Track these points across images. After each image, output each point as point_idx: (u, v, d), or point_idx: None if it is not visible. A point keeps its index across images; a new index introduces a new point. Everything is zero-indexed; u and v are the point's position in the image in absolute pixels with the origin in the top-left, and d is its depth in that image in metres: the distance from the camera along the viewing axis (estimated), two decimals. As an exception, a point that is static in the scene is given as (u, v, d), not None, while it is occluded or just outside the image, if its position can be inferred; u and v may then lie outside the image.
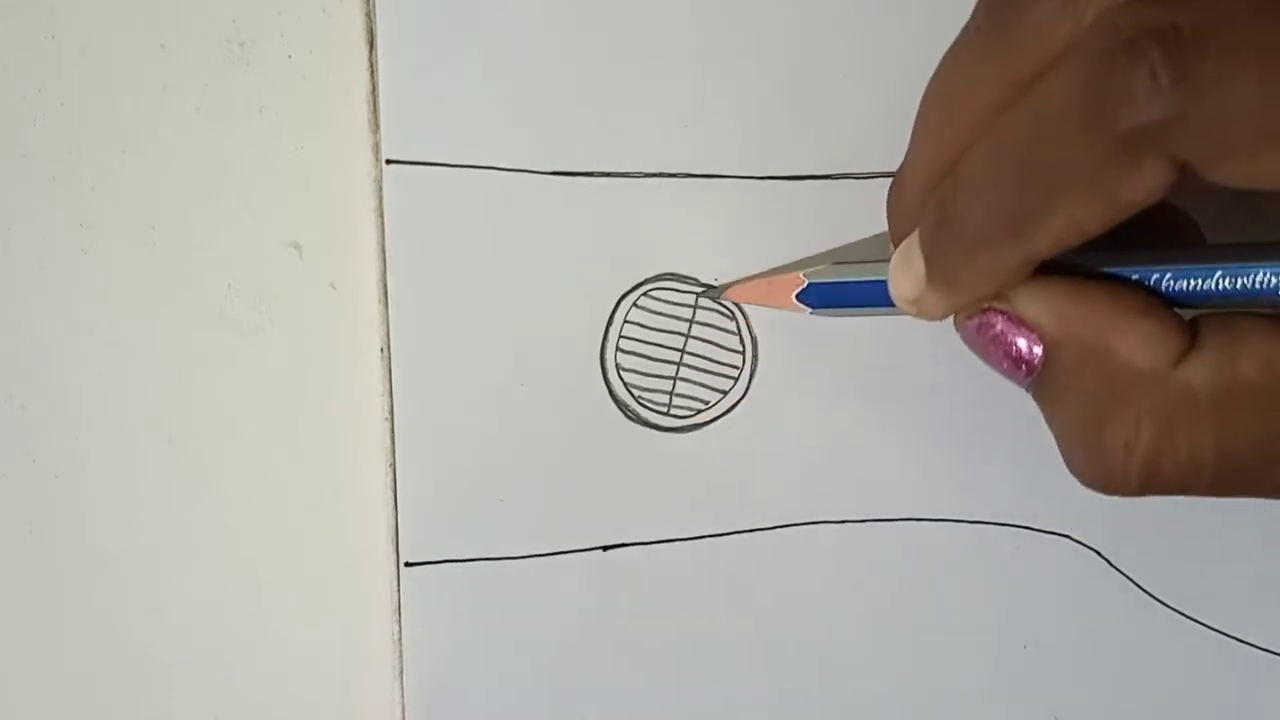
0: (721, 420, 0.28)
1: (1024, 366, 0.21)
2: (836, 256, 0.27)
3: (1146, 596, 0.28)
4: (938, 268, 0.22)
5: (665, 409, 0.28)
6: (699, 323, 0.28)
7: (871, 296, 0.24)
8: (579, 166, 0.28)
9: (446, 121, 0.27)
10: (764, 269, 0.28)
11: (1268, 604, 0.28)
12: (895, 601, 0.28)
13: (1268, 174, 0.17)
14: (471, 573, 0.28)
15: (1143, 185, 0.18)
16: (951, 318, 0.23)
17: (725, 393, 0.28)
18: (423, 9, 0.27)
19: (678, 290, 0.28)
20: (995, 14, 0.20)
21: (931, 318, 0.23)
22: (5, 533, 0.29)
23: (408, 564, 0.28)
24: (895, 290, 0.23)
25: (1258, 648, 0.29)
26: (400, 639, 0.28)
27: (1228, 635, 0.28)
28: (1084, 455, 0.21)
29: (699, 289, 0.28)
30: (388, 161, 0.27)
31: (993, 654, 0.29)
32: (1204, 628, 0.28)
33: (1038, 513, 0.28)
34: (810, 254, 0.28)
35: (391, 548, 0.28)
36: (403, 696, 0.28)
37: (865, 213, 0.27)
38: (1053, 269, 0.21)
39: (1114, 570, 0.28)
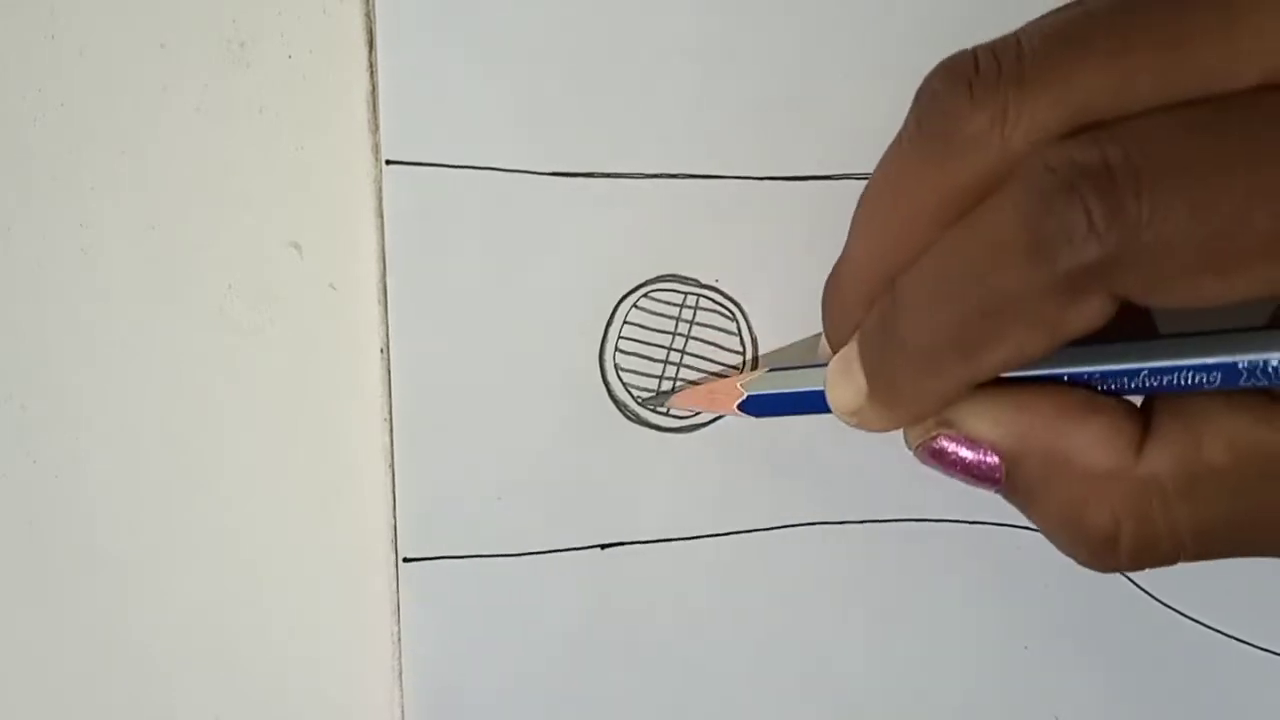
0: (721, 420, 0.28)
1: (988, 480, 0.22)
2: (773, 360, 0.28)
3: (1146, 596, 0.28)
4: (879, 385, 0.22)
5: (665, 409, 0.28)
6: (699, 323, 0.28)
7: (811, 404, 0.25)
8: (579, 167, 0.28)
9: (446, 122, 0.27)
10: (772, 274, 0.28)
11: (1268, 604, 0.28)
12: (895, 601, 0.28)
13: (1204, 297, 0.18)
14: (470, 570, 0.28)
15: (1085, 318, 0.18)
16: (901, 434, 0.23)
17: (725, 393, 0.28)
18: (423, 9, 0.27)
19: (678, 290, 0.28)
20: (925, 126, 0.20)
21: (872, 430, 0.23)
22: (5, 533, 0.29)
23: (406, 559, 0.28)
24: (835, 403, 0.23)
25: (1258, 648, 0.29)
26: (399, 637, 0.28)
27: (1228, 635, 0.28)
28: (1070, 547, 0.22)
29: (700, 290, 0.28)
30: (388, 162, 0.27)
31: (993, 654, 0.29)
32: (1204, 628, 0.28)
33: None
34: (812, 255, 0.28)
35: (390, 547, 0.28)
36: (402, 694, 0.28)
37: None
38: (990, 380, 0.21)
39: (1114, 570, 0.28)
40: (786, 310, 0.28)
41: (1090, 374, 0.21)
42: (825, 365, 0.24)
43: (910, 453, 0.23)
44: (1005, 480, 0.22)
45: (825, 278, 0.24)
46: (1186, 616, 0.28)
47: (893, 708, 0.29)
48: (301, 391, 0.29)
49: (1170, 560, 0.21)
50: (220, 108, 0.28)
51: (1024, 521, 0.28)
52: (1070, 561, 0.28)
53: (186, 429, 0.29)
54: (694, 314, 0.28)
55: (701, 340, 0.28)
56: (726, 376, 0.27)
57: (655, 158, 0.28)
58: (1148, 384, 0.21)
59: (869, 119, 0.27)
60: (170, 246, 0.28)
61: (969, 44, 0.21)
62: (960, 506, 0.28)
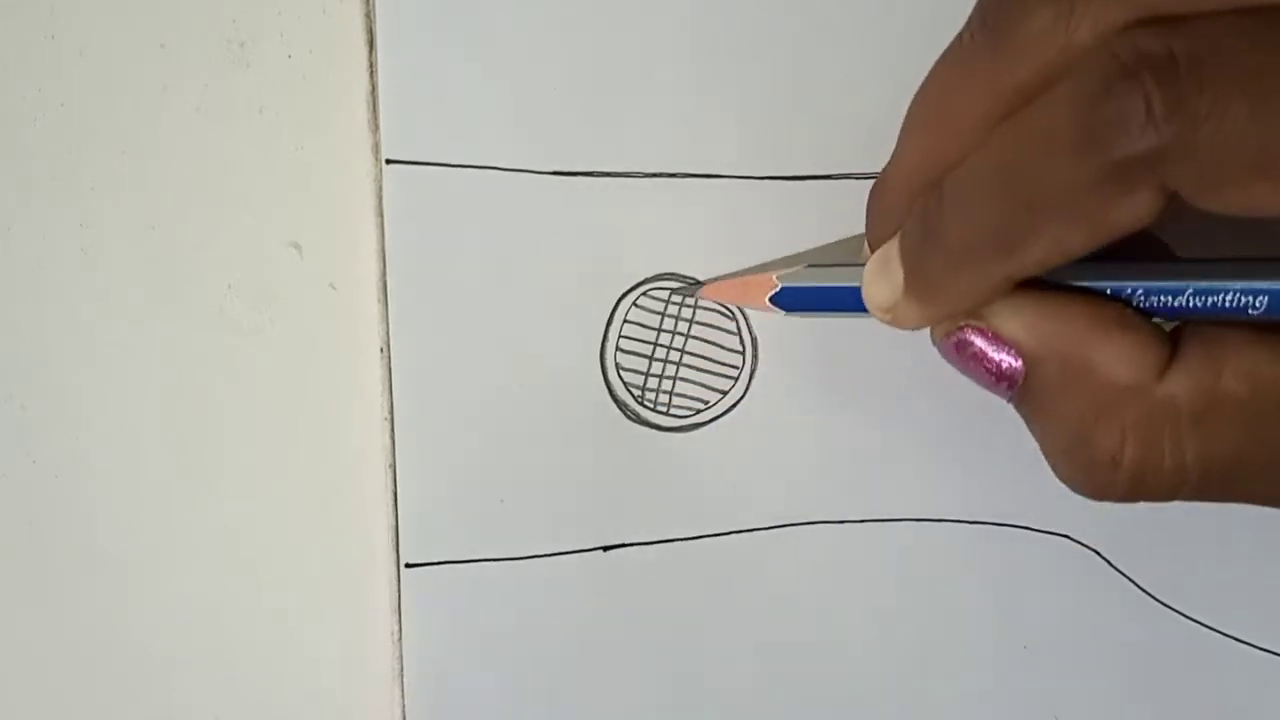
0: (721, 420, 0.28)
1: (1005, 382, 0.21)
2: (812, 259, 0.27)
3: (1146, 596, 0.28)
4: (917, 279, 0.22)
5: (665, 409, 0.28)
6: (699, 323, 0.28)
7: (845, 301, 0.24)
8: (578, 166, 0.28)
9: (446, 121, 0.27)
10: (752, 266, 0.28)
11: (1268, 604, 0.28)
12: (895, 601, 0.28)
13: (1256, 205, 0.17)
14: (472, 573, 0.28)
15: (1132, 212, 0.18)
16: (914, 334, 0.23)
17: (725, 393, 0.28)
18: (423, 9, 0.27)
19: (677, 290, 0.28)
20: (989, 23, 0.20)
21: (905, 327, 0.23)
22: (5, 533, 0.29)
23: (408, 565, 0.28)
24: (870, 298, 0.23)
25: (1258, 648, 0.29)
26: (400, 639, 0.28)
27: (1228, 635, 0.28)
28: (1070, 465, 0.21)
29: (693, 287, 0.28)
30: (387, 161, 0.27)
31: (993, 654, 0.29)
32: (1204, 628, 0.28)
33: (1038, 513, 0.28)
34: (801, 253, 0.28)
35: (392, 548, 0.28)
36: (403, 696, 0.28)
37: (864, 213, 0.27)
38: (1028, 283, 0.21)
39: (1114, 570, 0.28)
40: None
41: (1134, 288, 0.21)
42: (862, 266, 0.23)
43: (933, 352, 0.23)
44: (1021, 385, 0.21)
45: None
46: (1186, 616, 0.28)
47: (893, 708, 0.29)
48: (301, 391, 0.28)
49: (1168, 494, 0.20)
50: (220, 108, 0.28)
51: (1024, 521, 0.28)
52: (1070, 562, 0.28)
53: (186, 429, 0.29)
54: (694, 313, 0.28)
55: (701, 339, 0.28)
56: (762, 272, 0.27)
57: (655, 158, 0.28)
58: (1191, 304, 0.20)
59: (869, 119, 0.27)
60: (170, 246, 0.28)
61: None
62: (960, 506, 0.28)
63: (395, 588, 0.28)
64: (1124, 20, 0.18)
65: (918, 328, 0.23)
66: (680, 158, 0.28)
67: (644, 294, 0.28)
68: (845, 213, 0.27)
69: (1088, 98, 0.18)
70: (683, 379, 0.28)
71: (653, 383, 0.28)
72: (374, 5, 0.27)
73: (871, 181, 0.27)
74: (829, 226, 0.28)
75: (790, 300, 0.26)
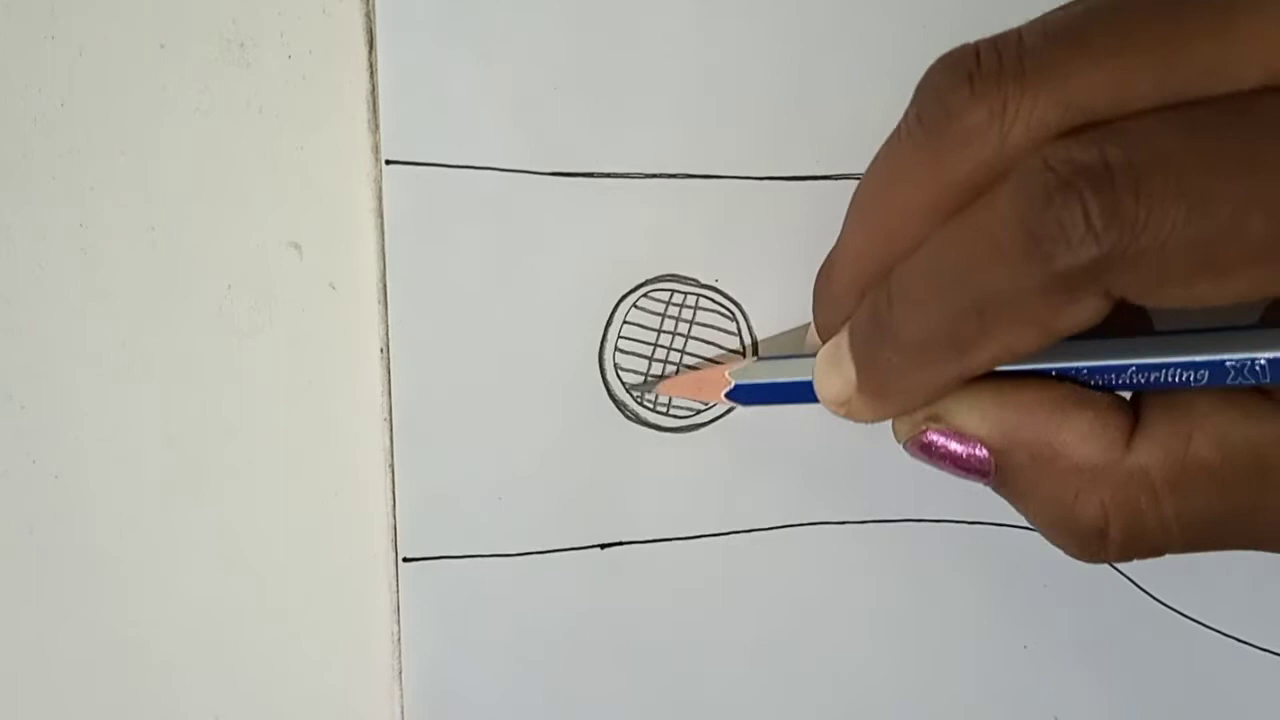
0: (721, 420, 0.28)
1: (977, 474, 0.22)
2: (764, 350, 0.28)
3: (1146, 596, 0.28)
4: (869, 376, 0.22)
5: (664, 409, 0.28)
6: (699, 323, 0.28)
7: (799, 395, 0.24)
8: (578, 167, 0.28)
9: (446, 122, 0.27)
10: (773, 274, 0.28)
11: (1268, 604, 0.28)
12: (895, 601, 0.28)
13: (1199, 299, 0.18)
14: (470, 570, 0.28)
15: (1079, 318, 0.18)
16: (889, 427, 0.23)
17: (725, 393, 0.28)
18: (423, 9, 0.27)
19: (678, 290, 0.28)
20: (924, 118, 0.20)
21: (860, 421, 0.23)
22: (5, 533, 0.29)
23: (406, 559, 0.28)
24: (823, 393, 0.23)
25: (1258, 648, 0.29)
26: (399, 637, 0.28)
27: (1228, 635, 0.28)
28: (1060, 540, 0.22)
29: (700, 290, 0.28)
30: (387, 162, 0.27)
31: (993, 654, 0.29)
32: (1204, 628, 0.28)
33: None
34: (812, 255, 0.28)
35: (390, 547, 0.28)
36: (402, 694, 0.28)
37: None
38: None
39: (1114, 570, 0.28)
40: (786, 310, 0.28)
41: (1079, 369, 0.21)
42: (815, 356, 0.24)
43: (900, 445, 0.23)
44: (995, 474, 0.22)
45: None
46: (1186, 616, 0.28)
47: (893, 707, 0.29)
48: (301, 391, 0.29)
49: (1159, 552, 0.21)
50: (220, 108, 0.28)
51: (1024, 521, 0.28)
52: (1070, 561, 0.28)
53: (186, 429, 0.29)
54: (694, 314, 0.28)
55: (701, 340, 0.28)
56: (718, 364, 0.27)
57: (655, 158, 0.28)
58: (1135, 380, 0.21)
59: (869, 119, 0.27)
60: (170, 246, 0.28)
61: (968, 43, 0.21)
62: (960, 506, 0.28)
63: (395, 587, 0.28)
64: (1056, 122, 0.18)
65: (873, 421, 0.23)
66: (680, 158, 0.28)
67: (644, 295, 0.28)
68: (843, 213, 0.27)
69: (1027, 209, 0.18)
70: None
71: (652, 382, 0.28)
72: (374, 5, 0.27)
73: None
74: (828, 226, 0.28)
75: (745, 395, 0.26)
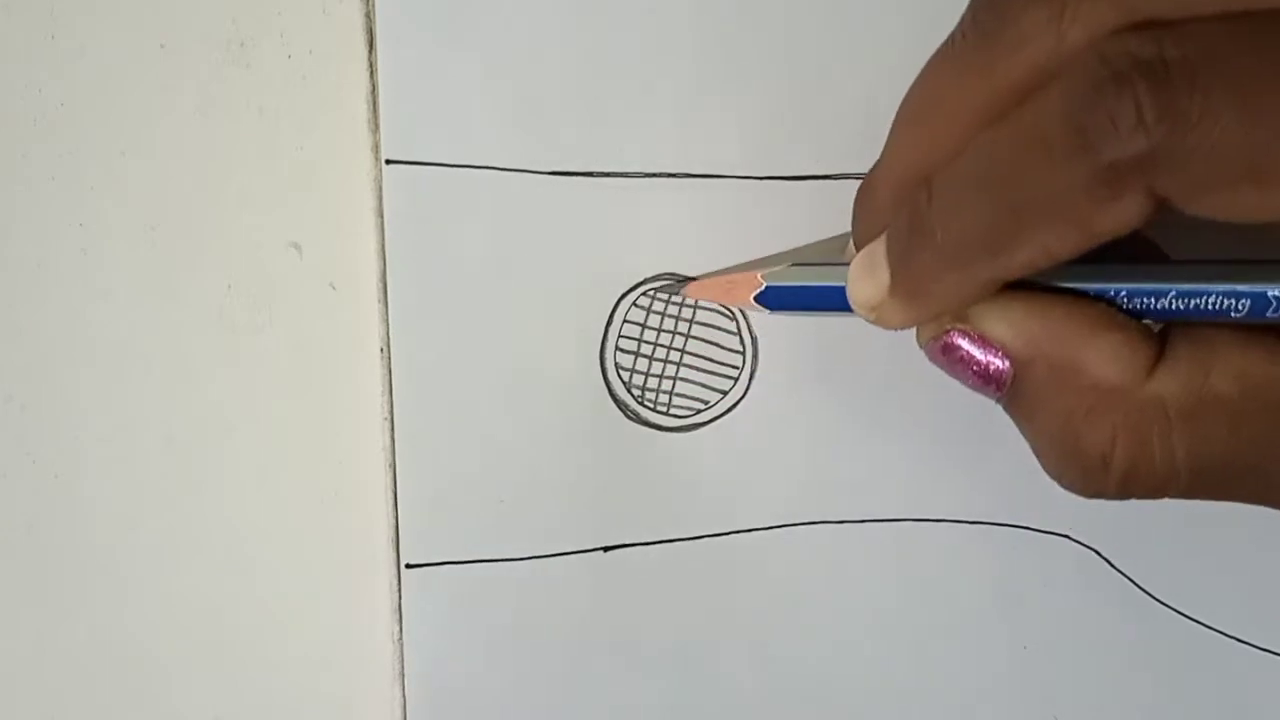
0: (721, 420, 0.28)
1: (993, 384, 0.22)
2: (797, 257, 0.27)
3: (1146, 596, 0.28)
4: (903, 278, 0.22)
5: (665, 409, 0.28)
6: (699, 323, 0.28)
7: (830, 300, 0.24)
8: (579, 166, 0.28)
9: (446, 121, 0.27)
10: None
11: (1268, 604, 0.28)
12: (895, 601, 0.28)
13: (1243, 210, 0.17)
14: (472, 574, 0.28)
15: (1120, 217, 0.18)
16: (913, 332, 0.23)
17: (725, 393, 0.28)
18: (423, 9, 0.27)
19: (677, 290, 0.28)
20: (981, 23, 0.20)
21: (889, 327, 0.23)
22: (5, 533, 0.29)
23: (408, 565, 0.28)
24: (854, 296, 0.23)
25: (1258, 648, 0.29)
26: (401, 640, 0.28)
27: (1228, 635, 0.28)
28: (1060, 464, 0.21)
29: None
30: (387, 161, 0.27)
31: (993, 654, 0.29)
32: (1204, 628, 0.28)
33: (1038, 513, 0.28)
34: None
35: (392, 549, 0.28)
36: (404, 698, 0.28)
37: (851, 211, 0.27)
38: (1014, 284, 0.21)
39: (1114, 570, 0.28)
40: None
41: (1118, 290, 0.21)
42: (847, 265, 0.23)
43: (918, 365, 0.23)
44: (1010, 386, 0.21)
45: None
46: (1186, 616, 0.28)
47: (893, 707, 0.29)
48: (301, 391, 0.28)
49: (1159, 491, 0.20)
50: (220, 108, 0.28)
51: (1024, 521, 0.28)
52: (1070, 561, 0.28)
53: (186, 429, 0.29)
54: (694, 313, 0.28)
55: (701, 339, 0.28)
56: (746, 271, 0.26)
57: (655, 158, 0.28)
58: (1175, 306, 0.21)
59: (869, 119, 0.27)
60: (170, 246, 0.28)
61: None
62: (960, 506, 0.28)
63: (395, 588, 0.28)
64: (1115, 23, 0.18)
65: (903, 327, 0.23)
66: (680, 158, 0.28)
67: (644, 294, 0.28)
68: (845, 213, 0.27)
69: (1078, 100, 0.18)
70: (683, 379, 0.28)
71: (653, 383, 0.28)
72: (374, 5, 0.27)
73: (870, 181, 0.28)
74: (828, 226, 0.28)
75: (775, 299, 0.26)
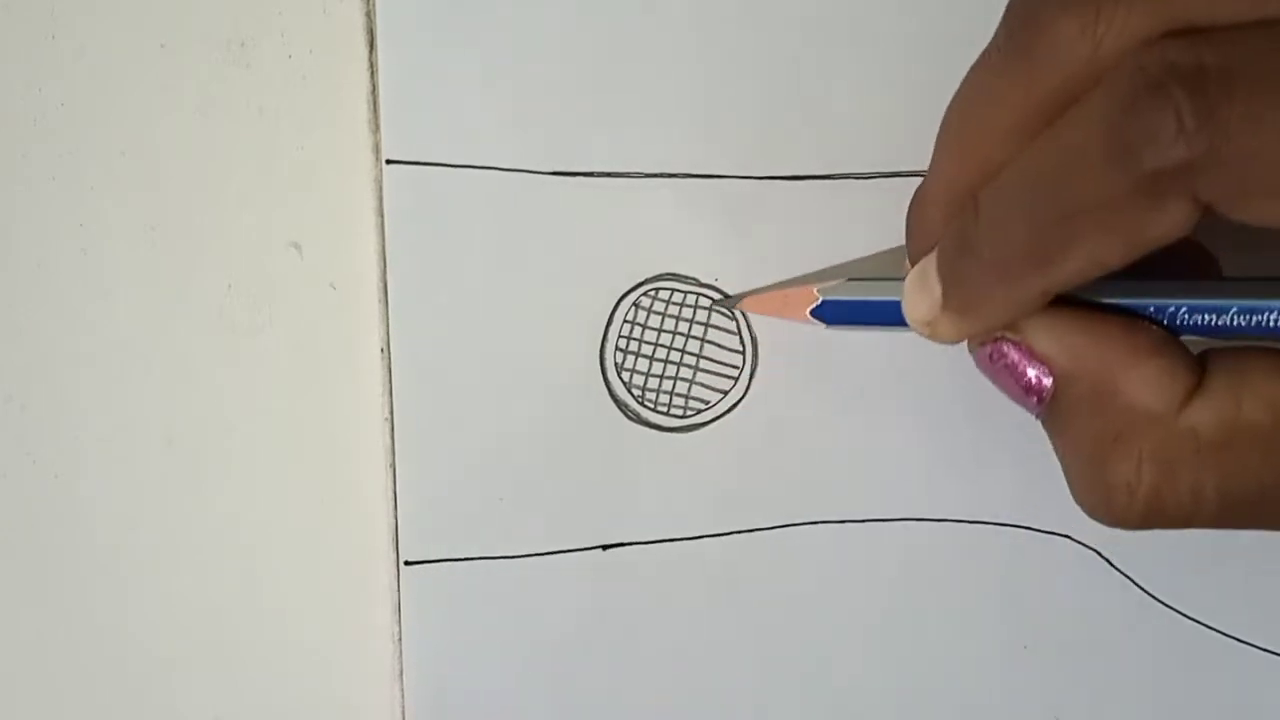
0: (721, 420, 0.28)
1: (1034, 396, 0.22)
2: (849, 271, 0.27)
3: (1146, 596, 0.28)
4: (955, 294, 0.22)
5: (665, 409, 0.28)
6: (699, 323, 0.28)
7: (886, 315, 0.24)
8: (579, 166, 0.28)
9: (446, 121, 0.27)
10: (772, 274, 0.28)
11: (1268, 604, 0.28)
12: (895, 601, 0.28)
13: None
14: (471, 572, 0.28)
15: (1166, 224, 0.18)
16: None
17: (725, 393, 0.28)
18: (423, 9, 0.27)
19: (678, 290, 0.28)
20: (1015, 35, 0.20)
21: (944, 341, 0.23)
22: (5, 533, 0.29)
23: (408, 563, 0.28)
24: (910, 312, 0.23)
25: (1258, 648, 0.29)
26: (400, 638, 0.28)
27: (1228, 635, 0.28)
28: (1087, 488, 0.21)
29: (700, 289, 0.28)
30: (388, 161, 0.27)
31: (993, 654, 0.29)
32: (1204, 628, 0.28)
33: (1038, 513, 0.28)
34: (812, 255, 0.28)
35: (391, 547, 0.28)
36: (403, 696, 0.28)
37: (866, 213, 0.27)
38: (1065, 299, 0.21)
39: (1114, 570, 0.28)
40: (787, 310, 0.28)
41: (1178, 306, 0.21)
42: (902, 280, 0.24)
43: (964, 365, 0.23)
44: (1049, 401, 0.21)
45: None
46: (1186, 616, 0.28)
47: (893, 708, 0.29)
48: (301, 391, 0.29)
49: (1184, 523, 0.20)
50: (220, 108, 0.28)
51: (1024, 521, 0.28)
52: (1070, 561, 0.28)
53: (186, 429, 0.29)
54: (694, 313, 0.28)
55: (701, 339, 0.28)
56: (800, 286, 0.26)
57: (655, 158, 0.28)
58: (1237, 322, 0.21)
59: (869, 119, 0.28)
60: (170, 246, 0.28)
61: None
62: (960, 506, 0.28)
63: (395, 587, 0.28)
64: (1151, 30, 0.18)
65: (956, 342, 0.23)
66: (680, 158, 0.28)
67: (644, 294, 0.28)
68: (845, 212, 0.28)
69: (1118, 110, 0.18)
70: (683, 379, 0.28)
71: (653, 383, 0.28)
72: (374, 5, 0.27)
73: (872, 181, 0.28)
74: (828, 227, 0.28)
75: (831, 313, 0.26)
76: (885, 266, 0.27)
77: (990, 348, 0.22)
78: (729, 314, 0.28)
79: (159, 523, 0.29)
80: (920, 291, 0.23)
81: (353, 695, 0.29)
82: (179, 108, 0.28)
